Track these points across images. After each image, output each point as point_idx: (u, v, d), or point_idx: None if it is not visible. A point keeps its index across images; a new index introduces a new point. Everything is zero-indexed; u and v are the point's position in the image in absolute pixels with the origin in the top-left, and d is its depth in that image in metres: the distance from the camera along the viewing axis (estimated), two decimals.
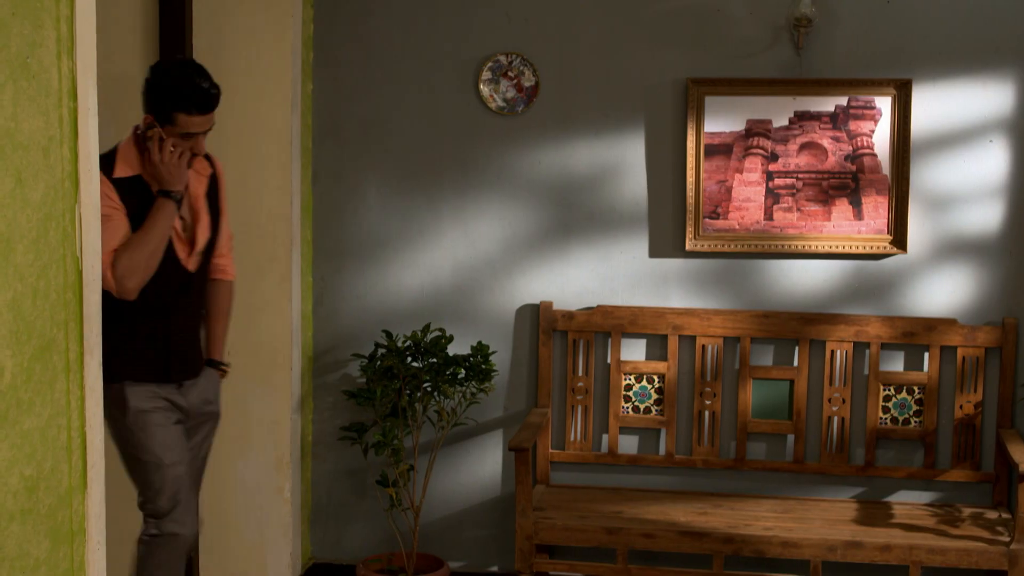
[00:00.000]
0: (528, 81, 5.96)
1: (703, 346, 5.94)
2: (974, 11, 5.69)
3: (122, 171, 4.45)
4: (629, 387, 6.02)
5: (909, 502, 5.90)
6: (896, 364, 5.88)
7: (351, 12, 6.05)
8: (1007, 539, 5.33)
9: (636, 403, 6.02)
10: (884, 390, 5.86)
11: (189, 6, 5.51)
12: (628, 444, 6.07)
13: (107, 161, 4.38)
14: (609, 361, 6.02)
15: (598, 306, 5.99)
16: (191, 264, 4.63)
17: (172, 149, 4.42)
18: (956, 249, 5.79)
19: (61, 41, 3.25)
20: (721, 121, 5.82)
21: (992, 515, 5.67)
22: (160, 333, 4.62)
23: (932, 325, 5.77)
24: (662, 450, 6.04)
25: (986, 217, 5.75)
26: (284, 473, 5.90)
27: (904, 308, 5.85)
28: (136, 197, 4.44)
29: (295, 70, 5.79)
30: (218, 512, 5.87)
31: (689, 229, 5.85)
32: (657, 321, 5.95)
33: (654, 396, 6.01)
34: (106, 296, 4.10)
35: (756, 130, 5.81)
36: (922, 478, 5.86)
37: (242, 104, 5.71)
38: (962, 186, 5.76)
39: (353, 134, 6.10)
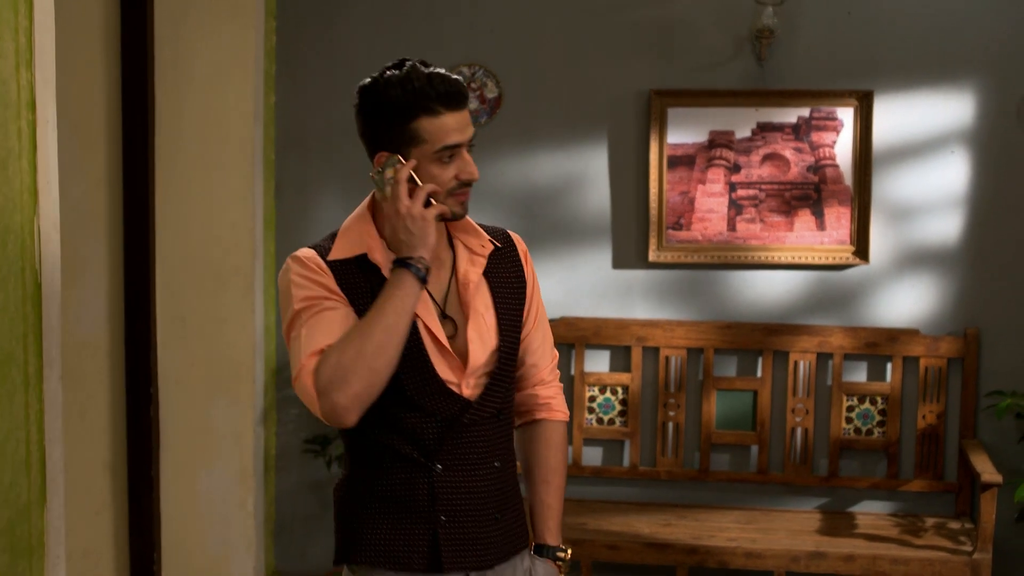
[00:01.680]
0: (491, 92, 5.96)
1: (666, 357, 5.94)
2: (935, 23, 5.72)
3: (344, 249, 3.01)
4: (593, 398, 6.02)
5: (872, 512, 5.91)
6: (859, 375, 5.89)
7: (314, 23, 6.03)
8: (970, 549, 5.34)
9: (600, 414, 6.01)
10: (847, 401, 5.88)
11: (151, 18, 5.49)
12: (592, 456, 6.07)
13: (329, 241, 3.07)
14: (573, 372, 6.02)
15: (561, 317, 5.99)
16: (467, 389, 3.04)
17: (406, 190, 2.92)
18: (918, 259, 5.81)
19: (20, 53, 3.24)
20: (684, 132, 5.83)
21: (955, 525, 5.69)
22: (421, 495, 3.04)
23: (894, 336, 5.79)
24: (626, 461, 6.04)
25: (947, 227, 5.77)
26: (247, 486, 5.87)
27: (866, 318, 5.86)
28: (369, 283, 2.98)
29: (257, 81, 5.77)
30: (180, 525, 5.84)
31: (652, 240, 5.86)
32: (620, 332, 5.95)
33: (618, 407, 6.01)
34: (346, 436, 3.14)
35: (719, 141, 5.82)
36: (885, 488, 5.88)
37: (204, 115, 5.69)
38: (923, 197, 5.78)
39: (316, 145, 6.08)
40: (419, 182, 2.93)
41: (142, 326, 5.57)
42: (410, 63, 2.93)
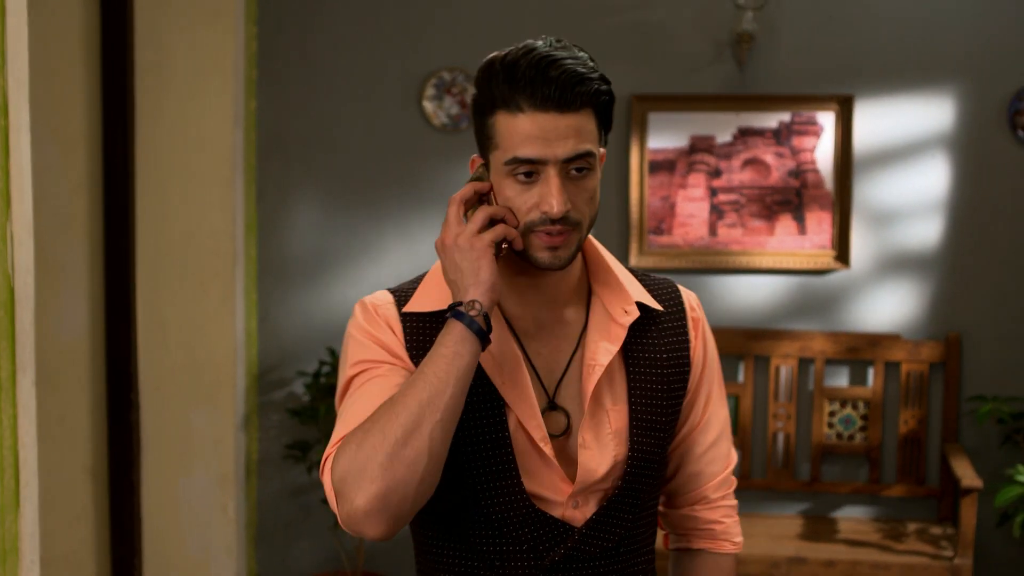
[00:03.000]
0: (472, 97, 5.94)
1: None
2: (915, 28, 5.72)
3: (428, 299, 2.28)
4: None
5: (854, 517, 5.91)
6: (841, 380, 5.89)
7: (295, 29, 6.03)
8: (951, 554, 5.34)
9: None
10: (829, 406, 5.87)
11: (131, 23, 5.49)
12: None
13: (416, 283, 2.34)
14: None
15: None
16: (573, 510, 2.25)
17: (460, 211, 2.20)
18: (899, 264, 5.81)
19: None
20: (665, 137, 5.83)
21: (936, 530, 5.69)
22: None
23: (876, 340, 5.79)
24: None
25: (928, 232, 5.78)
26: (228, 491, 5.87)
27: (848, 323, 5.86)
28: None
29: (238, 86, 5.77)
30: (162, 530, 5.83)
31: (633, 245, 5.85)
32: None
33: None
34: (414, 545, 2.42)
35: (700, 146, 5.82)
36: (867, 493, 5.87)
37: (185, 120, 5.69)
38: (904, 201, 5.78)
39: (298, 151, 6.08)
40: (494, 202, 2.21)
41: (123, 331, 5.57)
42: (540, 40, 2.21)
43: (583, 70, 2.15)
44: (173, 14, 5.63)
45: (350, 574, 5.93)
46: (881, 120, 5.76)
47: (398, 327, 2.24)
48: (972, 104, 5.72)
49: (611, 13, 5.87)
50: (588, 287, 2.35)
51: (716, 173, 5.82)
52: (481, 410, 2.20)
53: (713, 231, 5.85)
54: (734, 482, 2.50)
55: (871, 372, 5.85)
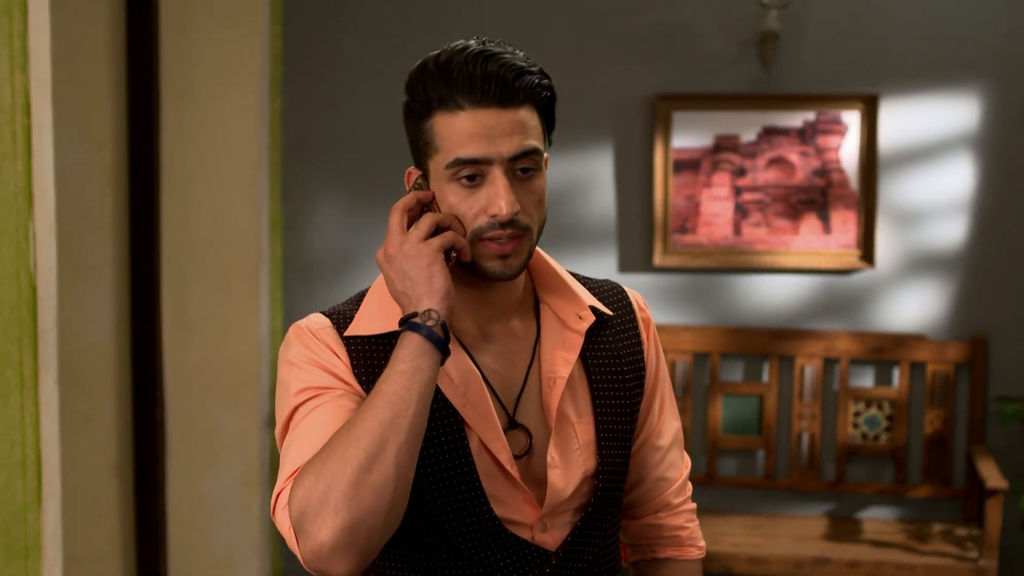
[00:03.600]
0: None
1: (673, 362, 5.92)
2: (940, 27, 5.70)
3: (372, 321, 2.13)
4: None
5: (879, 518, 5.89)
6: (866, 380, 5.87)
7: (320, 28, 6.04)
8: (976, 555, 5.32)
9: None
10: (854, 406, 5.85)
11: (157, 22, 5.51)
12: None
13: (353, 305, 2.19)
14: None
15: None
16: (544, 533, 2.14)
17: (402, 221, 2.07)
18: (924, 264, 5.78)
19: (14, 57, 3.25)
20: (689, 136, 5.82)
21: (962, 531, 5.66)
22: None
23: (901, 341, 5.77)
24: None
25: (954, 231, 5.75)
26: (253, 489, 5.88)
27: (873, 323, 5.85)
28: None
29: (263, 85, 5.78)
30: (187, 528, 5.85)
31: (657, 244, 5.85)
32: None
33: None
34: None
35: (724, 145, 5.81)
36: (892, 494, 5.85)
37: (210, 119, 5.70)
38: (930, 201, 5.76)
39: (323, 149, 6.09)
40: (438, 211, 2.09)
41: (148, 329, 5.59)
42: (472, 39, 2.13)
43: (522, 64, 2.07)
44: (198, 14, 5.65)
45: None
46: (906, 119, 5.74)
47: (342, 351, 2.09)
48: (998, 103, 5.69)
49: (635, 13, 5.86)
50: (534, 296, 2.24)
51: (741, 172, 5.81)
52: (440, 433, 2.06)
53: (738, 230, 5.83)
54: (690, 487, 2.43)
55: (896, 372, 5.83)
